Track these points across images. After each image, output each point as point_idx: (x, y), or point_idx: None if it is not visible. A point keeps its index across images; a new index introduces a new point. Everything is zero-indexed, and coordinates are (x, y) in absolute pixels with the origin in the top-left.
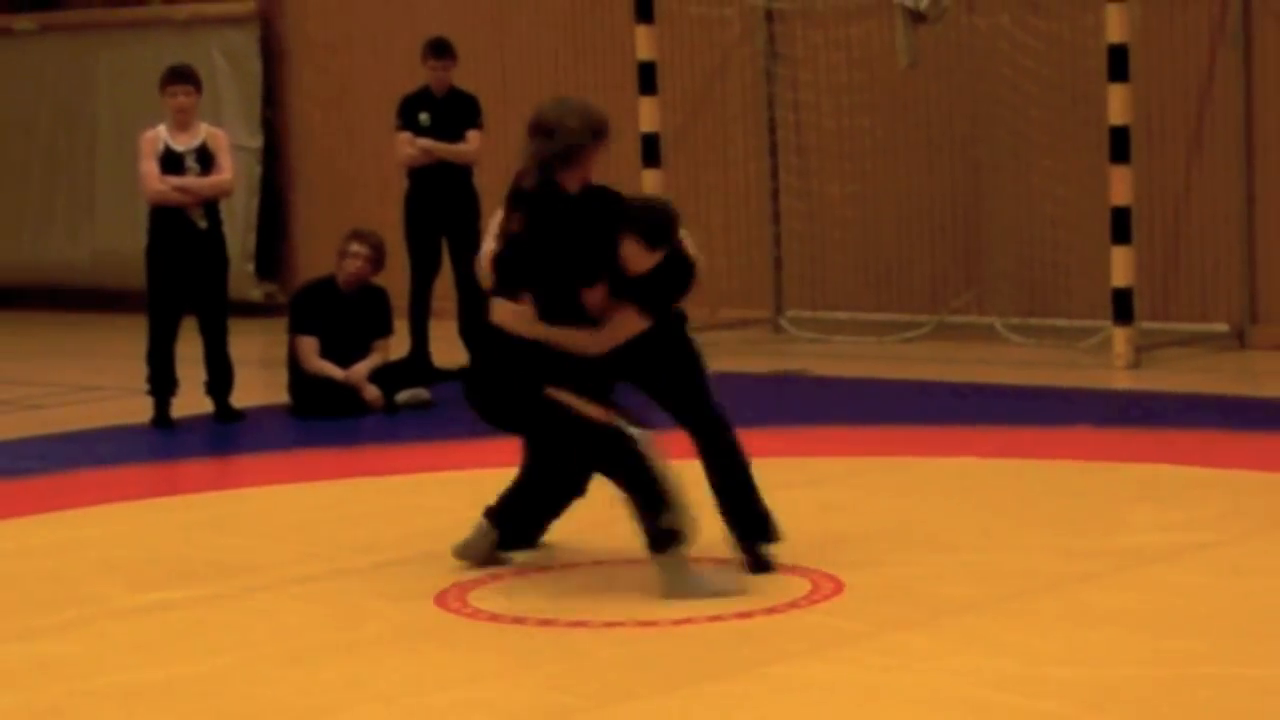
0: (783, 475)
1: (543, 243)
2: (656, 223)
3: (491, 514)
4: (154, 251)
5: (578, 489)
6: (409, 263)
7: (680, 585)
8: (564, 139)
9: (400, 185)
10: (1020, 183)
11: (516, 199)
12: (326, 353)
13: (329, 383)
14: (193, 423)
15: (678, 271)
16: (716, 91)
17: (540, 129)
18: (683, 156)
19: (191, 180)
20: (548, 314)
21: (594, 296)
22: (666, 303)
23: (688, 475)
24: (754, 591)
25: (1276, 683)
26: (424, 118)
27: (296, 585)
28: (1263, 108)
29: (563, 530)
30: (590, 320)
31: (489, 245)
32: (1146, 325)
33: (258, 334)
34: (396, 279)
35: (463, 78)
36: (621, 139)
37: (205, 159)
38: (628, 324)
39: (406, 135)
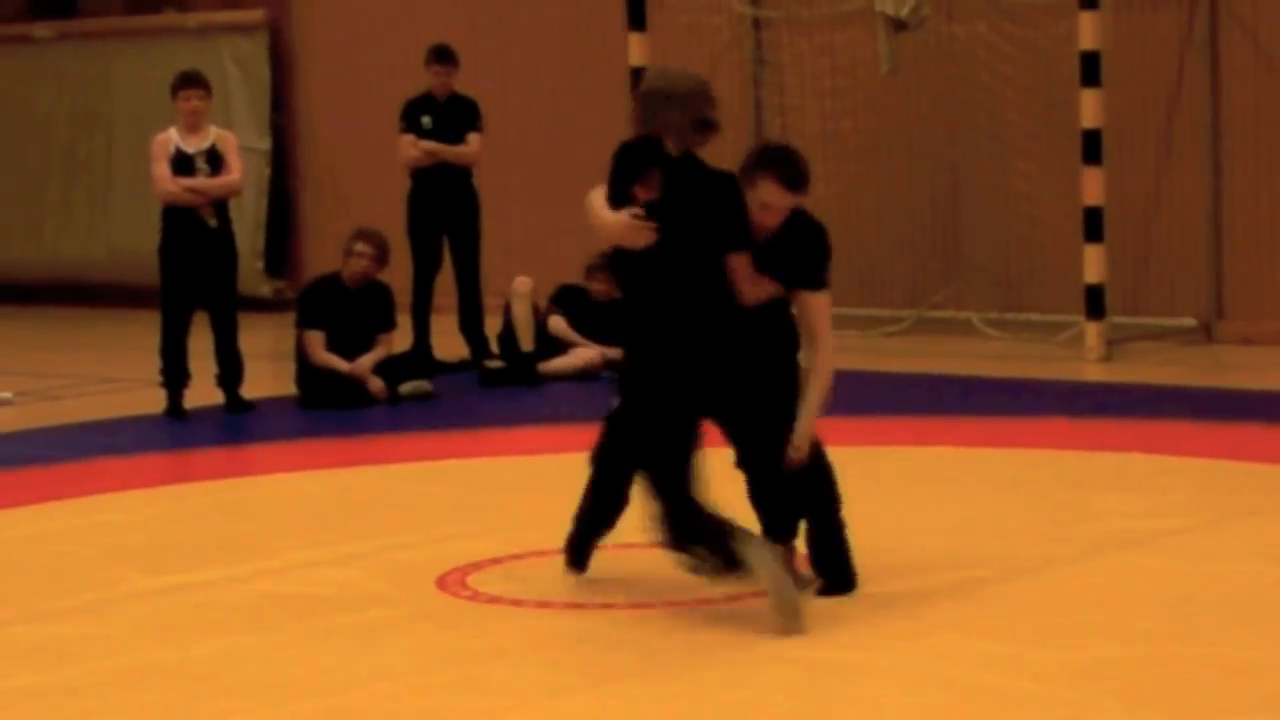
0: None
1: (687, 208)
2: (796, 165)
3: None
4: (167, 249)
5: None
6: (411, 260)
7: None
8: (701, 108)
9: (403, 186)
10: (997, 183)
11: (653, 162)
12: (332, 346)
13: (335, 375)
14: (204, 413)
15: (814, 234)
16: None
17: (674, 97)
18: None
19: (202, 181)
20: (691, 281)
21: (740, 264)
22: (816, 271)
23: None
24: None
25: (1245, 662)
26: (426, 121)
27: (304, 569)
28: (1229, 112)
29: (559, 517)
30: (731, 293)
31: (605, 209)
32: (1117, 320)
33: (266, 328)
34: (399, 275)
35: (463, 83)
36: (615, 141)
37: (215, 160)
38: (818, 309)
39: (409, 138)
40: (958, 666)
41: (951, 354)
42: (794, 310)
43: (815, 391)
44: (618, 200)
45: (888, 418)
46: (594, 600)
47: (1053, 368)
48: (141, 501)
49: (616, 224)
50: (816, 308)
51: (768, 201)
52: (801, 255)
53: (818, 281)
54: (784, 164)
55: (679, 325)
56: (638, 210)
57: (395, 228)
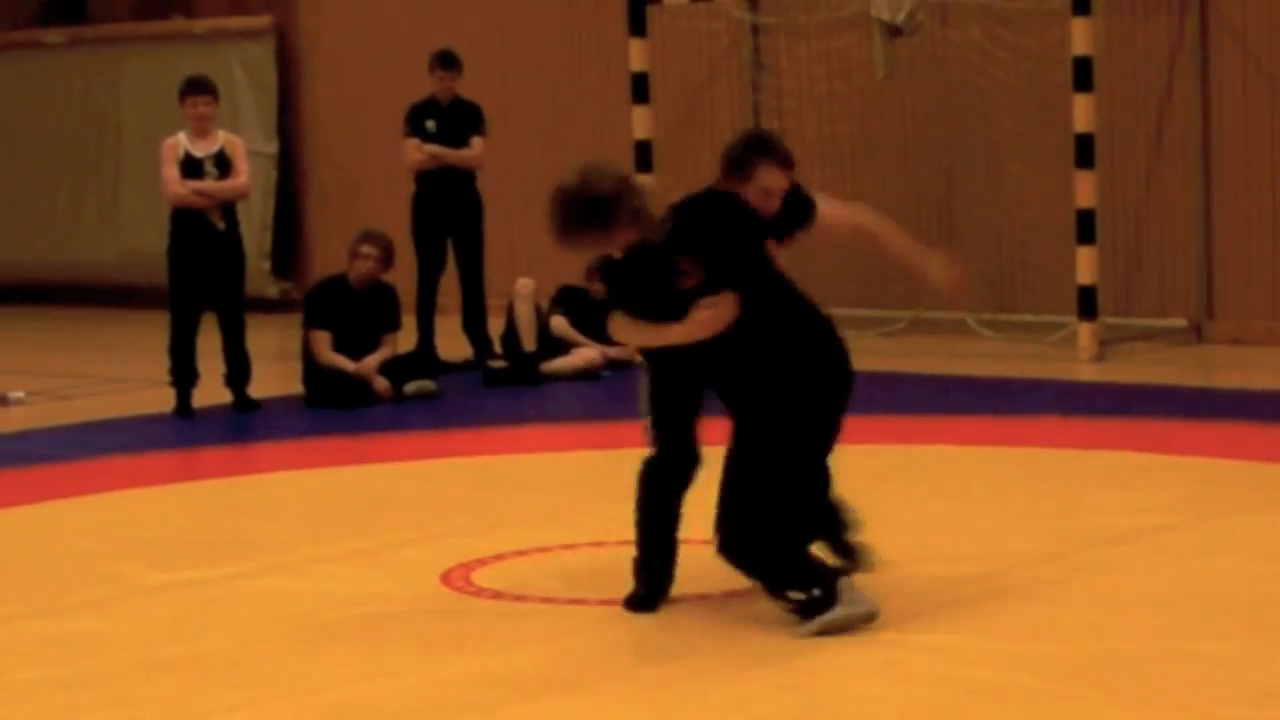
0: None
1: (718, 243)
2: (783, 145)
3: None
4: (175, 251)
5: None
6: (416, 262)
7: None
8: (632, 197)
9: (408, 189)
10: (991, 186)
11: (661, 260)
12: (338, 346)
13: (341, 374)
14: (212, 412)
15: (801, 204)
16: (705, 100)
17: (613, 198)
18: (674, 162)
19: (210, 184)
20: (756, 285)
21: (772, 248)
22: (806, 197)
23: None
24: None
25: (1235, 657)
26: (430, 125)
27: (310, 565)
28: (1219, 116)
29: (561, 514)
30: (780, 274)
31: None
32: (1109, 320)
33: (274, 329)
34: (404, 277)
35: (467, 87)
36: (616, 145)
37: (223, 164)
38: (831, 201)
39: (414, 141)
40: (951, 662)
41: (946, 354)
42: (820, 230)
43: (897, 232)
44: (673, 310)
45: (883, 417)
46: (596, 597)
47: (1046, 367)
48: (150, 499)
49: (701, 324)
50: (829, 203)
51: (769, 185)
52: (792, 201)
53: (811, 198)
54: (776, 147)
55: (802, 330)
56: (702, 302)
57: (400, 230)
